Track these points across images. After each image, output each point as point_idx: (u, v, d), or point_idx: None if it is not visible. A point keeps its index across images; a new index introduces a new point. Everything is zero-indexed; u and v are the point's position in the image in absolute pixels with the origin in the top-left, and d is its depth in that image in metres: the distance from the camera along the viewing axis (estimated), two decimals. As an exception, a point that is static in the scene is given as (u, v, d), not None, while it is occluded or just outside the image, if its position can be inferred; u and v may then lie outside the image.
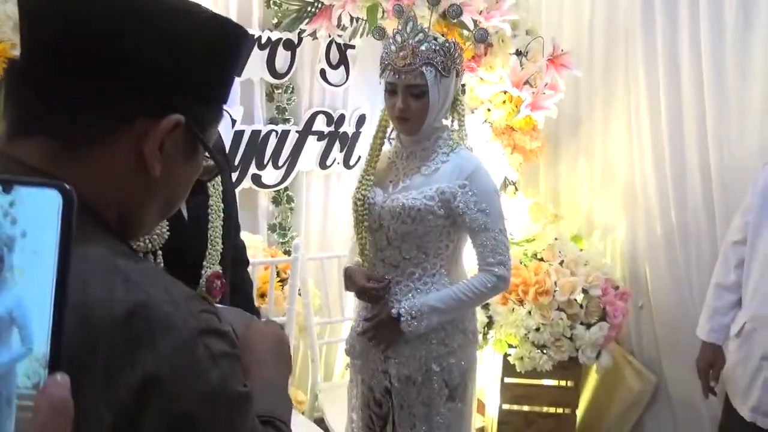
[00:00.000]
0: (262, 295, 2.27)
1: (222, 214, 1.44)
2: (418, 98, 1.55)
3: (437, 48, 1.54)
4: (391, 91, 1.58)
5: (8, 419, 0.29)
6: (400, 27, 1.60)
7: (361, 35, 2.49)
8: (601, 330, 2.38)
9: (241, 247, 1.66)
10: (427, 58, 1.53)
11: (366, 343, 1.70)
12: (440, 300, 1.59)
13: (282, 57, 2.58)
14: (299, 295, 2.32)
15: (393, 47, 1.57)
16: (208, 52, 0.60)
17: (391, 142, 1.73)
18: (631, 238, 2.64)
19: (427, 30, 1.59)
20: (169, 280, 0.55)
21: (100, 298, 0.48)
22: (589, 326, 2.41)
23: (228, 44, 0.62)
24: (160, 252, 1.12)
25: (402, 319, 1.57)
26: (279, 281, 2.34)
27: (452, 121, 1.68)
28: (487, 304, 2.47)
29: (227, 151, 2.52)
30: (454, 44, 1.61)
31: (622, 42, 2.55)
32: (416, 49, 1.53)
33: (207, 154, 0.65)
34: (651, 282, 2.56)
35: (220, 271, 1.24)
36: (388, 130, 1.71)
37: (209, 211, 1.40)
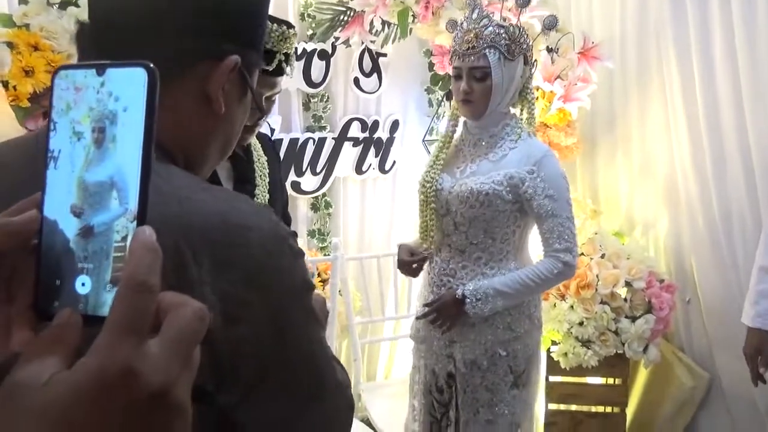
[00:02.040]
0: (304, 295, 2.31)
1: (267, 205, 1.50)
2: (482, 81, 1.58)
3: (501, 32, 1.57)
4: (456, 75, 1.62)
5: (106, 270, 0.33)
6: (466, 14, 1.65)
7: (393, 41, 2.55)
8: (647, 323, 2.33)
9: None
10: (491, 41, 1.56)
11: (431, 327, 1.70)
12: (506, 284, 1.59)
13: (317, 67, 2.67)
14: (340, 294, 2.36)
15: (459, 34, 1.61)
16: (251, 4, 0.67)
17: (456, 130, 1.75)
18: (675, 232, 2.59)
19: (492, 16, 1.63)
20: (247, 197, 0.62)
21: (195, 209, 0.54)
22: (634, 319, 2.36)
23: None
24: None
25: (467, 300, 1.58)
26: (320, 281, 2.39)
27: (521, 110, 1.70)
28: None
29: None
30: (521, 30, 1.62)
31: (653, 33, 2.54)
32: (480, 33, 1.57)
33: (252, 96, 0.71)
34: (698, 275, 2.49)
35: None
36: (460, 119, 1.73)
37: (255, 201, 1.47)
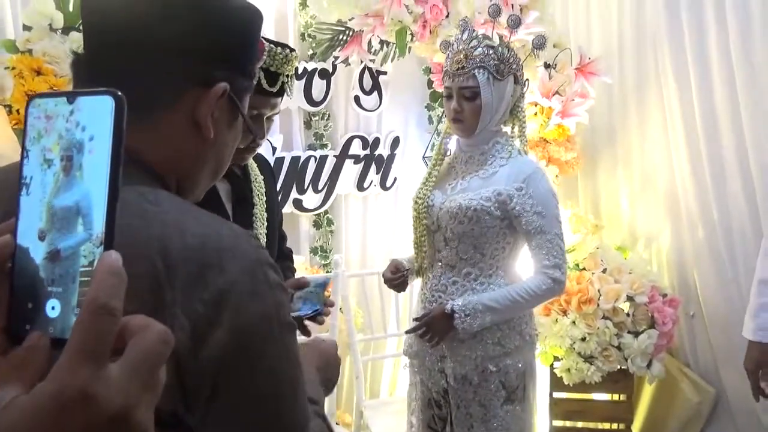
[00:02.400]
0: (305, 312, 2.32)
1: (266, 223, 1.52)
2: (471, 100, 1.60)
3: (490, 53, 1.60)
4: (447, 95, 1.65)
5: (73, 294, 0.34)
6: (456, 36, 1.68)
7: (392, 60, 2.58)
8: (650, 338, 2.32)
9: (287, 255, 1.73)
10: (480, 62, 1.59)
11: (423, 342, 1.71)
12: (495, 299, 1.59)
13: (318, 86, 2.70)
14: (341, 312, 2.36)
15: (450, 54, 1.64)
16: (241, 29, 0.69)
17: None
18: (677, 246, 2.58)
19: (482, 37, 1.65)
20: (229, 222, 0.63)
21: (176, 232, 0.56)
22: (637, 334, 2.35)
23: (254, 24, 0.71)
24: None
25: (455, 315, 1.58)
26: (321, 299, 2.39)
27: (512, 128, 1.72)
28: (530, 315, 2.44)
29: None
30: (510, 50, 1.65)
31: (651, 50, 2.55)
32: (470, 54, 1.59)
33: (243, 121, 0.73)
34: (701, 288, 2.48)
35: None
36: (453, 136, 1.75)
37: (254, 218, 1.48)
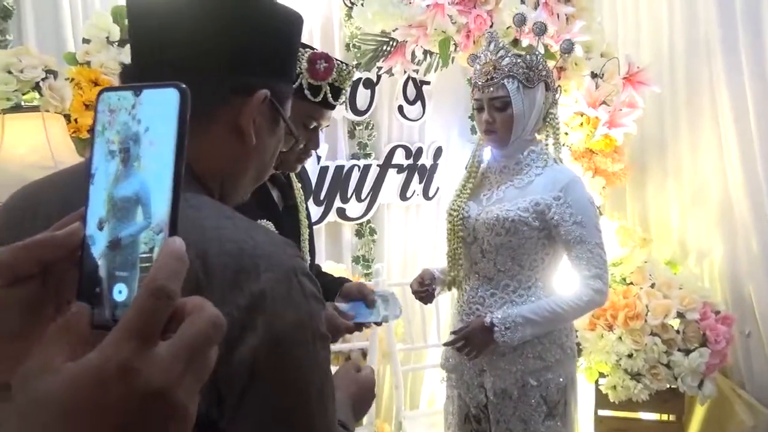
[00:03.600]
0: (346, 320, 2.33)
1: (308, 230, 1.55)
2: (502, 110, 1.59)
3: (518, 61, 1.59)
4: (478, 108, 1.64)
5: (134, 280, 0.35)
6: (483, 48, 1.68)
7: (436, 70, 2.58)
8: (701, 356, 2.23)
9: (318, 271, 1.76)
10: (509, 71, 1.58)
11: (461, 356, 1.69)
12: (535, 312, 1.56)
13: (362, 96, 2.73)
14: (381, 320, 2.36)
15: (477, 66, 1.64)
16: (280, 37, 0.71)
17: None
18: (731, 261, 2.48)
19: (509, 47, 1.65)
20: (268, 229, 0.64)
21: (215, 237, 0.57)
22: (688, 352, 2.26)
23: (293, 29, 0.73)
24: None
25: (495, 328, 1.56)
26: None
27: (547, 136, 1.70)
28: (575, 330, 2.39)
29: (313, 185, 2.67)
30: (538, 56, 1.64)
31: (704, 57, 2.48)
32: (497, 64, 1.59)
33: (285, 125, 0.74)
34: (757, 305, 2.37)
35: None
36: (486, 147, 1.74)
37: (300, 225, 1.51)
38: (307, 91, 1.30)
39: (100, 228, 0.36)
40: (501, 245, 1.61)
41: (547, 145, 1.68)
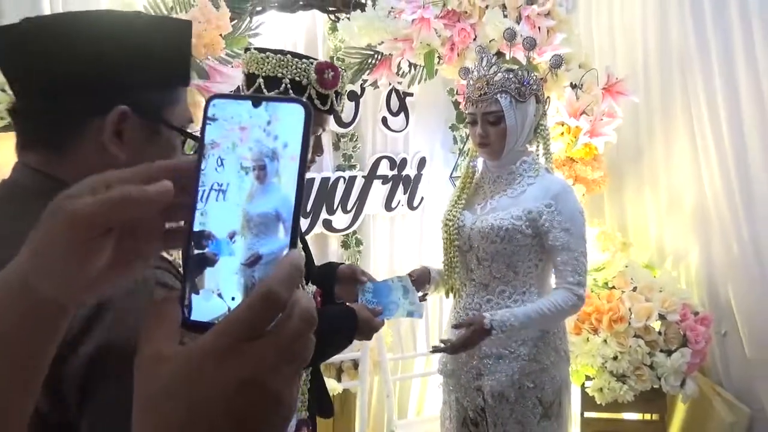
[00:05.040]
0: (337, 331, 2.34)
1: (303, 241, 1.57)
2: (496, 124, 1.65)
3: (510, 76, 1.66)
4: (472, 121, 1.70)
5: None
6: (476, 63, 1.73)
7: (419, 82, 2.63)
8: (683, 356, 2.31)
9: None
10: (502, 86, 1.64)
11: (458, 361, 1.73)
12: (528, 315, 1.61)
13: (347, 108, 2.75)
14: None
15: (471, 82, 1.69)
16: (136, 50, 0.71)
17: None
18: (706, 263, 2.57)
19: (500, 63, 1.71)
20: None
21: None
22: (669, 353, 2.33)
23: (151, 39, 0.73)
24: None
25: (494, 331, 1.60)
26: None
27: (537, 146, 1.76)
28: (561, 334, 2.44)
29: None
30: (529, 72, 1.71)
31: (677, 66, 2.58)
32: (491, 80, 1.65)
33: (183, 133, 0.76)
34: (736, 305, 2.46)
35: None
36: (479, 158, 1.81)
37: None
38: (316, 101, 1.33)
39: (232, 239, 0.36)
40: (496, 253, 1.66)
41: (538, 155, 1.74)
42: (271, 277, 0.34)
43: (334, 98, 1.38)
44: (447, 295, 1.79)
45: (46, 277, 0.37)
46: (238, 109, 0.37)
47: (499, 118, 1.64)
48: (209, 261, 0.36)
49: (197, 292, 0.37)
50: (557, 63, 1.83)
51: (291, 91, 1.33)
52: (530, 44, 1.80)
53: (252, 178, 0.36)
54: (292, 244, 0.36)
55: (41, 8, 2.17)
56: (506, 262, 1.67)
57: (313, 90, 1.34)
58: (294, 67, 1.34)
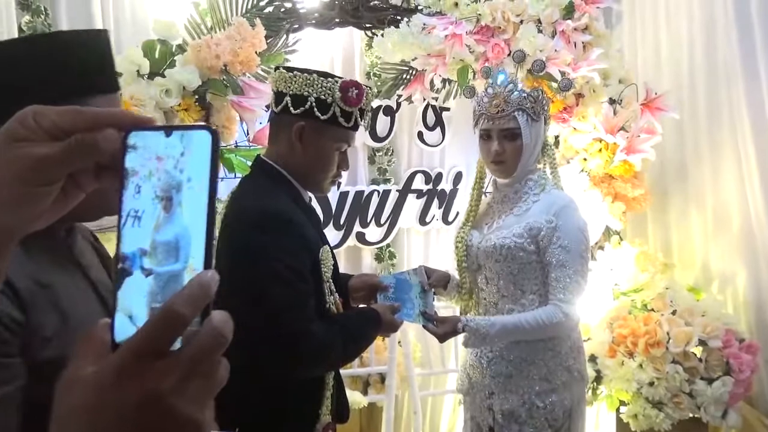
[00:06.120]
0: (364, 344, 2.35)
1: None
2: (512, 141, 1.66)
3: (526, 95, 1.67)
4: (486, 137, 1.69)
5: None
6: (491, 80, 1.74)
7: (455, 97, 2.63)
8: (724, 385, 2.19)
9: None
10: (519, 105, 1.65)
11: (471, 380, 1.73)
12: (504, 325, 1.59)
13: (382, 122, 2.78)
14: (399, 345, 2.38)
15: (485, 99, 1.70)
16: (28, 71, 0.75)
17: (486, 194, 1.86)
18: (755, 287, 2.44)
19: (516, 81, 1.72)
20: None
21: None
22: (710, 381, 2.22)
23: (63, 54, 0.77)
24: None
25: (465, 334, 1.59)
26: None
27: (544, 165, 1.77)
28: (594, 357, 2.37)
29: (333, 210, 2.72)
30: (542, 92, 1.73)
31: (723, 83, 2.48)
32: (508, 98, 1.66)
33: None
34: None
35: None
36: (485, 179, 1.83)
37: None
38: (341, 119, 1.38)
39: (142, 264, 0.38)
40: (501, 271, 1.66)
41: (545, 172, 1.74)
42: (174, 296, 0.36)
43: (358, 115, 1.42)
44: (462, 311, 1.78)
45: (0, 208, 0.39)
46: (154, 139, 0.39)
47: (516, 134, 1.65)
48: (125, 284, 0.39)
49: (117, 314, 0.38)
50: (567, 86, 1.82)
51: (316, 109, 1.38)
52: (539, 67, 1.80)
53: (160, 207, 0.38)
54: (207, 265, 0.37)
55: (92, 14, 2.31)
56: (512, 281, 1.66)
57: (337, 108, 1.38)
58: (320, 85, 1.39)
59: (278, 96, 1.42)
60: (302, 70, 1.41)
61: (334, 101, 1.38)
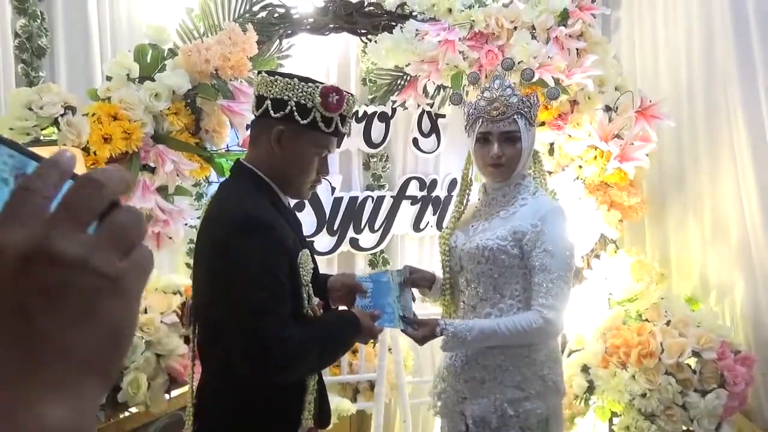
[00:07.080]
0: (354, 351, 2.34)
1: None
2: (512, 144, 1.65)
3: (525, 100, 1.67)
4: (483, 140, 1.67)
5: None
6: (488, 85, 1.73)
7: (450, 103, 2.61)
8: (718, 398, 2.15)
9: None
10: (518, 108, 1.65)
11: (444, 383, 1.72)
12: (483, 332, 1.57)
13: (377, 128, 2.77)
14: (390, 352, 2.36)
15: (482, 102, 1.69)
16: None
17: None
18: (752, 299, 2.40)
19: (513, 86, 1.71)
20: None
21: None
22: (704, 393, 2.18)
23: None
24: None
25: (443, 338, 1.57)
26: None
27: (533, 170, 1.76)
28: (587, 367, 2.34)
29: (326, 216, 2.71)
30: (536, 97, 1.73)
31: (721, 91, 2.44)
32: (507, 101, 1.66)
33: None
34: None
35: None
36: (472, 183, 1.82)
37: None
38: (321, 124, 1.38)
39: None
40: (482, 273, 1.65)
41: (535, 178, 1.73)
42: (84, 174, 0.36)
43: (339, 121, 1.41)
44: (446, 313, 1.77)
45: None
46: None
47: (516, 138, 1.64)
48: None
49: None
50: (554, 95, 1.83)
51: (296, 113, 1.38)
52: (528, 76, 1.82)
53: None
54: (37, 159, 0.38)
55: (88, 18, 2.32)
56: (493, 284, 1.64)
57: (317, 113, 1.38)
58: (300, 90, 1.38)
59: (259, 100, 1.42)
60: (284, 75, 1.41)
61: (314, 106, 1.38)
